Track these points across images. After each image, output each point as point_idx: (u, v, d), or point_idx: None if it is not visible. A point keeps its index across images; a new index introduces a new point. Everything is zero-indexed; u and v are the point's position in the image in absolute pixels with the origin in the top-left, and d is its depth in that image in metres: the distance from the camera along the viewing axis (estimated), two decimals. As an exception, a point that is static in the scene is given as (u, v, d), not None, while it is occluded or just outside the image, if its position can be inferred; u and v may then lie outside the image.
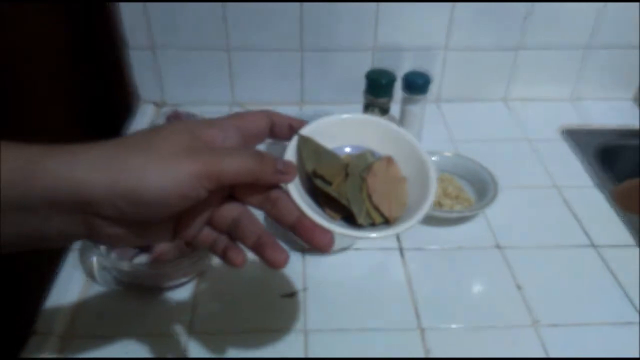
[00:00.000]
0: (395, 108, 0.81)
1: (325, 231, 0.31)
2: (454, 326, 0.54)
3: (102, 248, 0.58)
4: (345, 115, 0.36)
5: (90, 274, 0.59)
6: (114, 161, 0.28)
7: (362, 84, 0.76)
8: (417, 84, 0.75)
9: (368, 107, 0.78)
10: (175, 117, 0.73)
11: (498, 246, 0.64)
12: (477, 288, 0.59)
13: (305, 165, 0.34)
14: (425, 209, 0.32)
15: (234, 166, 0.30)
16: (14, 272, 0.73)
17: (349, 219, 0.33)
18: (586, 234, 0.66)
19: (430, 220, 0.67)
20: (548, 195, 0.72)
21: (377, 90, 0.75)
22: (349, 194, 0.33)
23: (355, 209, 0.33)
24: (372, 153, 0.37)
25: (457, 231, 0.66)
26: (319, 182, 0.33)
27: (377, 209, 0.33)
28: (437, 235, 0.65)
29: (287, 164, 0.33)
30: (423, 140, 0.82)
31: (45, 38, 0.80)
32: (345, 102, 0.87)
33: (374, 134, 0.36)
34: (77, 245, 0.61)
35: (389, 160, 0.36)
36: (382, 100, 0.76)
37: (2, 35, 0.72)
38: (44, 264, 0.61)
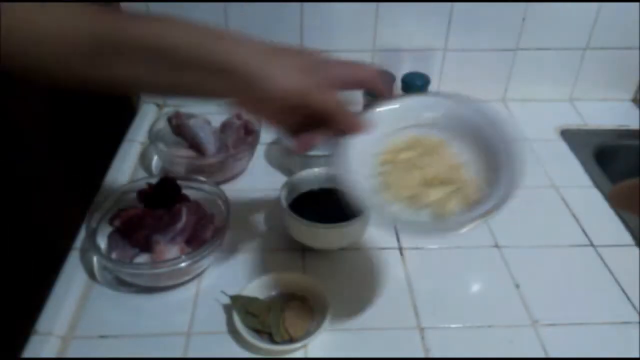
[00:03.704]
0: (394, 109, 0.82)
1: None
2: (453, 325, 0.55)
3: (103, 248, 0.58)
4: (270, 275, 0.54)
5: (91, 274, 0.59)
6: (260, 55, 0.41)
7: (361, 85, 0.77)
8: (416, 85, 0.75)
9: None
10: (176, 118, 0.73)
11: (497, 245, 0.64)
12: (476, 287, 0.60)
13: (241, 308, 0.52)
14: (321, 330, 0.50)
15: (324, 98, 0.43)
16: (16, 272, 0.73)
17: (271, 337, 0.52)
18: (585, 233, 0.66)
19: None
20: (546, 195, 0.73)
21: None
22: (271, 322, 0.51)
23: (273, 332, 0.51)
24: (294, 294, 0.55)
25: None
26: (249, 318, 0.52)
27: (287, 331, 0.51)
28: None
29: (364, 120, 0.46)
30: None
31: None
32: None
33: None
34: (78, 246, 0.62)
35: (303, 299, 0.54)
36: (381, 101, 0.76)
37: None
38: (45, 264, 0.62)
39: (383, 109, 0.48)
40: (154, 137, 0.73)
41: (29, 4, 0.38)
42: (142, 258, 0.58)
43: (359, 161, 0.45)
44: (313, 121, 0.45)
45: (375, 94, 0.48)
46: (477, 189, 0.44)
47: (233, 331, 0.52)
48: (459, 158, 0.47)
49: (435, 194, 0.44)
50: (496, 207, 0.41)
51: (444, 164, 0.46)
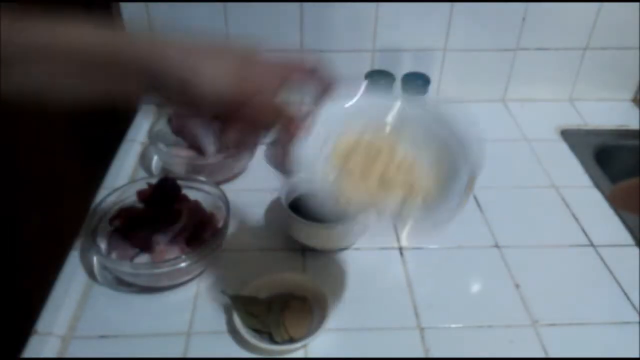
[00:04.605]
0: (394, 109, 0.82)
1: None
2: (453, 325, 0.55)
3: (103, 248, 0.58)
4: (270, 275, 0.55)
5: (91, 274, 0.59)
6: (189, 59, 0.39)
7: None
8: (416, 85, 0.75)
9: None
10: (176, 118, 0.73)
11: (497, 245, 0.64)
12: (476, 287, 0.60)
13: (241, 308, 0.52)
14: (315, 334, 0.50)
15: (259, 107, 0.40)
16: (15, 272, 0.73)
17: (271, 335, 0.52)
18: (585, 233, 0.66)
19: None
20: (547, 195, 0.73)
21: (377, 91, 0.75)
22: (271, 322, 0.51)
23: (273, 332, 0.51)
24: (293, 294, 0.55)
25: (456, 230, 0.66)
26: (249, 318, 0.52)
27: (287, 331, 0.51)
28: (436, 234, 0.65)
29: (303, 123, 0.42)
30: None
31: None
32: (344, 103, 0.87)
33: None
34: (78, 246, 0.62)
35: (303, 299, 0.54)
36: (381, 101, 0.76)
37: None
38: (45, 264, 0.61)
39: (330, 107, 0.44)
40: (154, 137, 0.73)
41: None
42: (142, 258, 0.58)
43: (310, 165, 0.42)
44: (250, 125, 0.42)
45: (318, 89, 0.44)
46: (433, 186, 0.43)
47: (233, 331, 0.52)
48: (411, 156, 0.45)
49: (393, 198, 0.42)
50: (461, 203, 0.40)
51: (397, 164, 0.44)
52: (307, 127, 0.42)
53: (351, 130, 0.45)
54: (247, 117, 0.41)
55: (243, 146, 0.44)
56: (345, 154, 0.45)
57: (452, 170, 0.43)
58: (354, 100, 0.46)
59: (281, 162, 0.43)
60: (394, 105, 0.47)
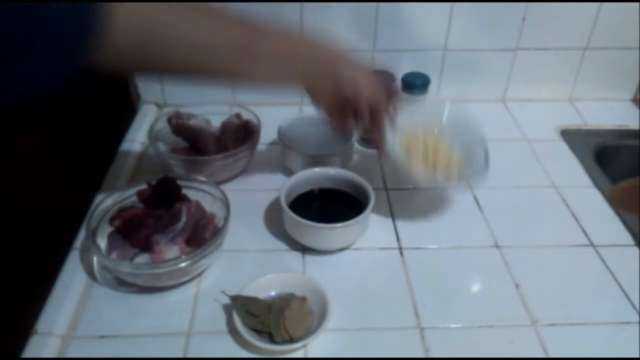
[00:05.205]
0: (394, 109, 0.82)
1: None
2: (453, 325, 0.55)
3: (103, 248, 0.58)
4: (270, 275, 0.56)
5: (91, 274, 0.59)
6: (352, 69, 0.57)
7: (361, 85, 0.77)
8: (416, 85, 0.75)
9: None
10: (176, 118, 0.73)
11: (497, 245, 0.64)
12: (476, 287, 0.60)
13: (241, 308, 0.53)
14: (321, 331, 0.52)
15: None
16: (15, 272, 0.73)
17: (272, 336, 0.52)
18: (585, 233, 0.66)
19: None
20: (547, 195, 0.73)
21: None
22: (271, 322, 0.51)
23: (273, 332, 0.51)
24: (294, 294, 0.55)
25: (456, 231, 0.66)
26: (249, 318, 0.52)
27: (287, 331, 0.51)
28: (436, 234, 0.66)
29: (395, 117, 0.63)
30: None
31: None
32: (344, 103, 0.88)
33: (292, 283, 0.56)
34: (78, 246, 0.62)
35: (303, 299, 0.54)
36: (381, 101, 0.77)
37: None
38: (45, 264, 0.62)
39: (406, 111, 0.66)
40: (154, 137, 0.73)
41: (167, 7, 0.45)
42: (142, 258, 0.58)
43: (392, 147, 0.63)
44: (359, 115, 0.58)
45: (391, 97, 0.63)
46: (462, 164, 0.67)
47: (233, 331, 0.52)
48: (449, 146, 0.68)
49: (440, 173, 0.65)
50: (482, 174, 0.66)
51: (442, 152, 0.67)
52: (393, 121, 0.62)
53: (412, 126, 0.67)
54: (371, 110, 0.58)
55: (353, 130, 0.62)
56: (408, 144, 0.66)
57: (471, 153, 0.67)
58: (416, 106, 0.72)
59: (378, 143, 0.63)
60: (439, 110, 0.70)
